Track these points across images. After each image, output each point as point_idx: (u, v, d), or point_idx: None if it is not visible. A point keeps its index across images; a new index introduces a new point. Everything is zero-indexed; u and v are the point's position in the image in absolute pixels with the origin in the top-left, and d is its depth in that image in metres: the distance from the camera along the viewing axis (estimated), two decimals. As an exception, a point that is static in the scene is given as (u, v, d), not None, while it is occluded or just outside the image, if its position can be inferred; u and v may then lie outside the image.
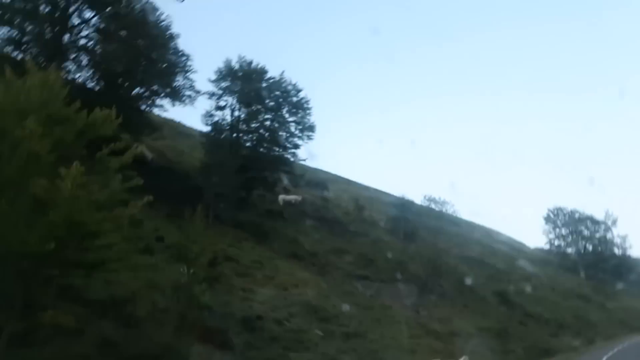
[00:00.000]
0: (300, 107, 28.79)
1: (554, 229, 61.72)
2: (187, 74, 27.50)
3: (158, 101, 29.38)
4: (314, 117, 29.18)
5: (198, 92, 28.03)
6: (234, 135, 27.73)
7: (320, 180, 47.58)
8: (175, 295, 12.12)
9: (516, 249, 63.82)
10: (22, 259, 6.55)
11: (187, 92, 27.88)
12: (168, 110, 36.39)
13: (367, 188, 62.35)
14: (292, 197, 33.31)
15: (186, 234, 18.35)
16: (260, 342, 13.76)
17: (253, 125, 28.68)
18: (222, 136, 26.95)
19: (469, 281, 35.50)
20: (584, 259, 59.52)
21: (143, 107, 32.32)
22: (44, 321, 6.78)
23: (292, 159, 29.36)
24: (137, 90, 29.46)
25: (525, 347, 30.27)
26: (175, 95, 28.86)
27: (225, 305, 14.25)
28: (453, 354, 22.75)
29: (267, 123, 28.75)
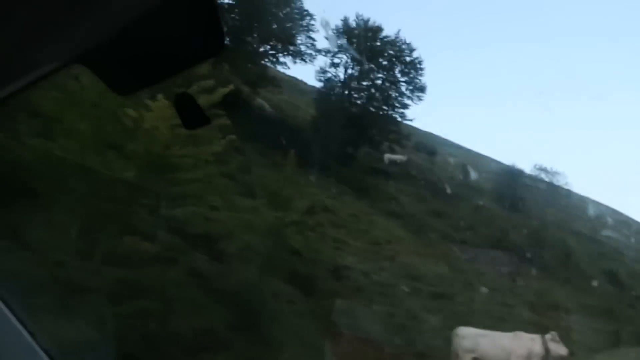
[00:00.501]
0: (412, 67, 27.34)
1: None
2: (309, 33, 27.28)
3: (281, 59, 29.69)
4: (429, 79, 27.63)
5: (319, 51, 27.77)
6: (345, 92, 27.13)
7: (429, 143, 45.71)
8: (268, 238, 12.08)
9: (634, 229, 57.11)
10: (114, 185, 6.61)
11: (309, 51, 27.74)
12: (290, 68, 36.83)
13: (477, 154, 58.96)
14: (397, 157, 32.26)
15: (282, 179, 18.47)
16: (345, 290, 13.49)
17: (364, 83, 27.84)
18: (334, 92, 26.48)
19: (575, 256, 32.39)
20: None
21: (267, 63, 33.02)
22: (124, 246, 6.91)
23: (400, 119, 28.17)
24: (262, 47, 30.03)
25: (633, 331, 27.18)
26: (297, 54, 28.89)
27: (316, 252, 14.07)
28: (547, 328, 20.95)
29: (379, 82, 27.72)
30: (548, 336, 10.37)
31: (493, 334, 11.12)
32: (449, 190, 31.94)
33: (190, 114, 3.51)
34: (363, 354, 11.21)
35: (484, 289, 20.99)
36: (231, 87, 8.50)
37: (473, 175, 41.44)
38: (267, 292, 10.58)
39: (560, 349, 10.25)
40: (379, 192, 25.47)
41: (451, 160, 46.19)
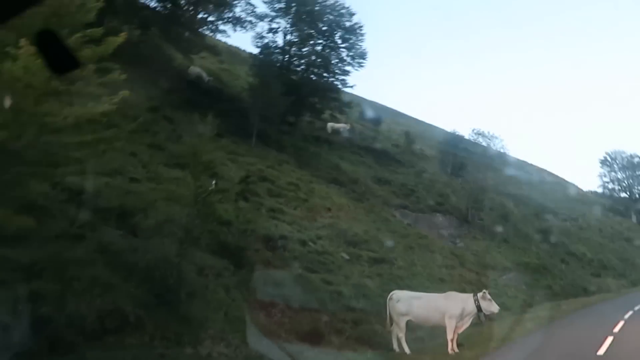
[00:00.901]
0: (352, 33, 26.49)
1: (609, 172, 56.87)
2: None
3: (221, 26, 28.17)
4: (372, 48, 26.91)
5: (260, 17, 26.41)
6: (284, 58, 26.04)
7: (373, 113, 45.40)
8: (194, 209, 11.17)
9: (567, 190, 59.73)
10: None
11: (249, 18, 26.33)
12: (230, 36, 35.18)
13: (420, 122, 59.41)
14: (340, 125, 31.68)
15: (215, 149, 17.40)
16: (280, 261, 12.85)
17: (304, 50, 26.81)
18: (272, 58, 25.31)
19: (512, 217, 33.25)
20: (638, 203, 54.82)
21: (205, 31, 31.29)
22: (7, 222, 5.89)
23: (341, 86, 27.39)
24: (200, 14, 28.35)
25: (563, 284, 28.26)
26: (237, 21, 27.41)
27: (249, 223, 13.31)
28: (485, 286, 21.29)
29: (319, 48, 26.76)
30: (480, 294, 10.15)
31: (427, 296, 10.84)
32: (389, 158, 31.80)
33: (57, 55, 2.61)
34: (297, 324, 10.68)
35: (424, 252, 20.99)
36: (124, 35, 7.34)
37: (416, 142, 41.61)
38: (189, 266, 9.77)
39: (491, 306, 10.08)
40: (321, 161, 24.83)
41: (395, 128, 46.20)
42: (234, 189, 15.39)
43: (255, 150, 21.33)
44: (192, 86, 25.04)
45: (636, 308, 18.66)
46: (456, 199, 29.68)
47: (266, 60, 25.09)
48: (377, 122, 42.67)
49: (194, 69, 26.96)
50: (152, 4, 24.94)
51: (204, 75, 27.01)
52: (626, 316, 15.85)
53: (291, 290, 11.56)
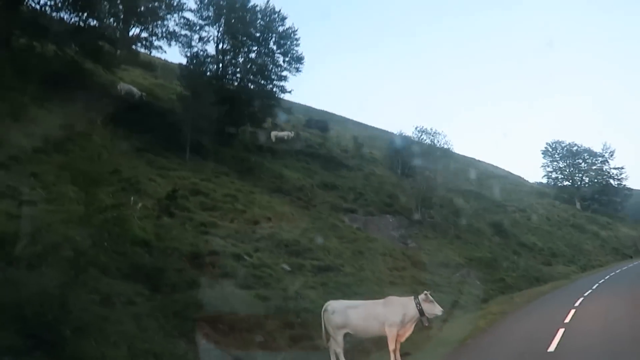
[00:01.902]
0: (286, 37, 25.47)
1: (551, 162, 58.21)
2: (182, 13, 24.49)
3: (155, 42, 26.75)
4: (314, 56, 25.94)
5: (190, 27, 25.01)
6: (219, 67, 24.71)
7: (320, 120, 44.58)
8: (102, 230, 9.68)
9: (514, 183, 60.79)
10: None
11: (184, 32, 24.94)
12: (166, 51, 33.70)
13: (369, 127, 59.19)
14: (284, 133, 30.59)
15: (140, 165, 15.93)
16: (209, 279, 11.45)
17: (239, 57, 25.57)
18: (203, 68, 23.92)
19: (462, 213, 32.94)
20: (580, 190, 56.26)
21: (141, 48, 29.63)
22: None
23: (280, 93, 26.27)
24: (132, 30, 26.82)
25: (516, 276, 27.96)
26: (172, 35, 25.98)
27: (171, 240, 11.87)
28: (438, 285, 20.49)
29: (253, 55, 25.59)
30: (422, 296, 9.11)
31: (364, 304, 9.71)
32: (337, 164, 30.89)
33: None
34: (224, 347, 9.35)
35: (374, 256, 20.02)
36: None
37: (365, 146, 40.99)
38: (87, 296, 8.29)
39: (434, 309, 9.05)
40: (263, 170, 23.57)
41: (343, 134, 45.51)
42: (159, 205, 13.94)
43: (189, 163, 19.86)
44: (121, 103, 23.34)
45: (586, 294, 18.27)
46: (406, 199, 29.03)
47: (196, 70, 23.66)
48: (324, 128, 41.83)
49: (124, 86, 25.20)
50: (71, 19, 23.20)
51: (135, 91, 25.29)
52: (576, 304, 15.30)
53: (219, 310, 10.19)
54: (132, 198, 12.74)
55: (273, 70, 25.40)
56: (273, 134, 29.66)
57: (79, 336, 7.23)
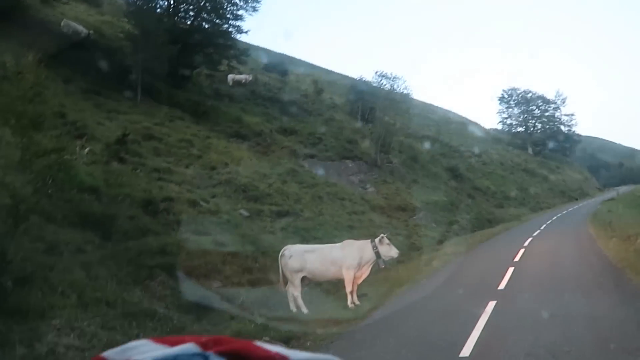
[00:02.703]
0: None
1: (507, 109, 59.48)
2: None
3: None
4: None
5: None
6: (170, 4, 23.18)
7: (280, 63, 43.33)
8: (45, 175, 9.07)
9: (470, 129, 61.95)
10: None
11: None
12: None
13: (330, 72, 58.21)
14: (242, 77, 29.52)
15: (87, 107, 15.04)
16: (162, 226, 11.14)
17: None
18: (153, 4, 22.38)
19: (420, 157, 33.42)
20: (533, 136, 58.08)
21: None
22: None
23: (236, 33, 25.07)
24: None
25: (469, 218, 28.98)
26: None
27: (121, 187, 11.36)
28: (396, 228, 20.96)
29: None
30: (377, 239, 9.16)
31: (321, 248, 9.72)
32: (297, 108, 30.31)
33: None
34: (179, 296, 9.21)
35: (333, 201, 20.11)
36: None
37: (326, 91, 40.35)
38: (31, 245, 7.87)
39: (391, 251, 9.15)
40: (220, 115, 22.81)
41: (304, 78, 44.55)
42: (109, 150, 13.27)
43: (141, 107, 18.92)
44: (66, 41, 21.67)
45: (534, 234, 19.11)
46: (366, 145, 29.04)
47: (145, 7, 22.12)
48: (283, 72, 40.75)
49: (68, 23, 23.35)
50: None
51: (80, 28, 23.50)
52: (525, 243, 15.97)
53: (173, 258, 9.96)
54: (77, 142, 12.04)
55: (228, 9, 24.07)
56: (230, 77, 28.59)
57: (22, 287, 6.88)
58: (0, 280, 6.45)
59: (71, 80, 17.34)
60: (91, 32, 24.00)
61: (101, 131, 14.68)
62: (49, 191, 9.43)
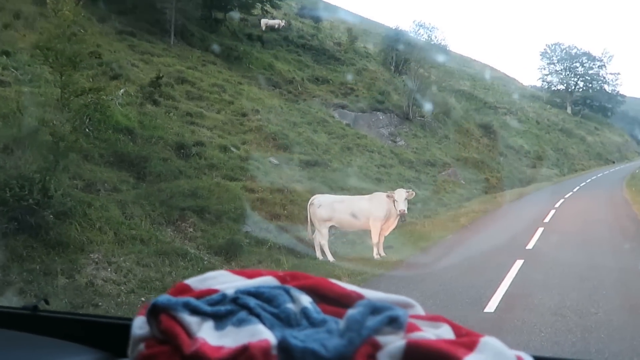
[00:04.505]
0: None
1: (548, 65, 56.90)
2: None
3: None
4: None
5: None
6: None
7: (314, 9, 42.12)
8: (79, 115, 9.27)
9: (508, 85, 59.81)
10: None
11: None
12: None
13: (365, 20, 56.36)
14: (275, 22, 28.90)
15: (121, 49, 15.07)
16: (194, 170, 11.34)
17: None
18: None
19: (452, 112, 32.64)
20: (573, 95, 55.74)
21: None
22: None
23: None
24: None
25: (500, 176, 28.52)
26: None
27: (155, 129, 11.53)
28: (423, 183, 20.84)
29: None
30: (405, 192, 9.13)
31: (350, 199, 9.78)
32: (329, 57, 29.70)
33: None
34: (211, 238, 9.48)
35: (362, 152, 20.01)
36: None
37: (360, 40, 39.25)
38: (70, 182, 8.15)
39: (399, 206, 9.09)
40: (252, 60, 22.56)
41: (337, 25, 43.34)
42: (143, 92, 13.39)
43: (174, 50, 18.86)
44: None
45: (567, 195, 18.72)
46: (398, 97, 28.44)
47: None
48: (317, 19, 39.65)
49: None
50: None
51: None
52: (557, 204, 15.70)
53: (205, 200, 10.19)
54: (113, 83, 12.17)
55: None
56: (263, 21, 28.03)
57: (63, 221, 7.21)
58: (43, 214, 6.75)
59: (106, 20, 17.31)
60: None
61: (135, 73, 14.76)
62: (87, 130, 9.68)
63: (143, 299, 6.85)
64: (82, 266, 6.98)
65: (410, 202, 10.30)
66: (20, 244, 6.46)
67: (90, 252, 7.24)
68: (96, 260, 7.22)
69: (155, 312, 0.68)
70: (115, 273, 7.27)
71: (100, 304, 6.44)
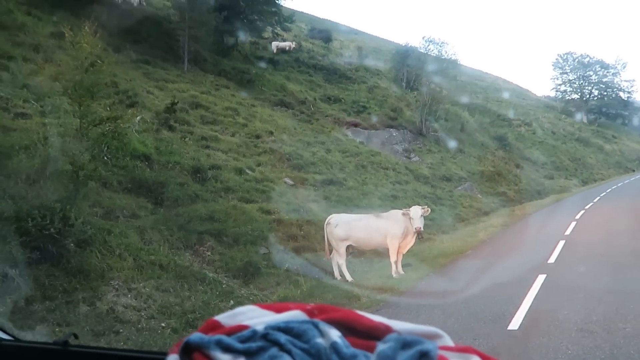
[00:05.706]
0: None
1: (561, 74, 56.54)
2: None
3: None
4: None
5: None
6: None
7: (323, 30, 42.70)
8: (99, 143, 9.47)
9: (521, 96, 59.52)
10: None
11: None
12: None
13: (374, 38, 56.87)
14: (286, 44, 29.35)
15: (137, 77, 15.39)
16: (211, 193, 11.45)
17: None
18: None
19: (466, 126, 32.52)
20: (588, 103, 55.19)
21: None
22: None
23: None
24: None
25: (517, 189, 28.19)
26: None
27: (171, 154, 11.71)
28: (440, 199, 20.70)
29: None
30: (421, 209, 9.08)
31: (367, 217, 9.74)
32: (340, 76, 29.96)
33: None
34: (229, 261, 9.52)
35: (376, 170, 19.99)
36: None
37: (369, 57, 39.57)
38: (90, 209, 8.29)
39: (415, 223, 9.03)
40: (264, 83, 22.87)
41: (348, 44, 43.81)
42: (158, 118, 13.63)
43: (188, 75, 19.23)
44: (115, 10, 22.13)
45: (587, 206, 18.41)
46: (410, 113, 28.49)
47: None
48: (327, 39, 40.16)
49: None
50: None
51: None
52: (577, 216, 15.44)
53: (222, 224, 10.26)
54: (129, 111, 12.41)
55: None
56: (274, 44, 28.48)
57: (84, 249, 7.31)
58: (64, 243, 6.86)
59: (121, 50, 17.75)
60: (143, 4, 24.36)
61: (151, 100, 15.06)
62: (105, 158, 9.87)
63: (163, 324, 6.88)
64: (103, 293, 7.06)
65: (427, 218, 10.25)
66: (42, 273, 6.55)
67: (110, 279, 7.32)
68: (116, 287, 7.29)
69: (188, 351, 0.69)
70: (136, 299, 7.32)
71: (121, 330, 6.48)
